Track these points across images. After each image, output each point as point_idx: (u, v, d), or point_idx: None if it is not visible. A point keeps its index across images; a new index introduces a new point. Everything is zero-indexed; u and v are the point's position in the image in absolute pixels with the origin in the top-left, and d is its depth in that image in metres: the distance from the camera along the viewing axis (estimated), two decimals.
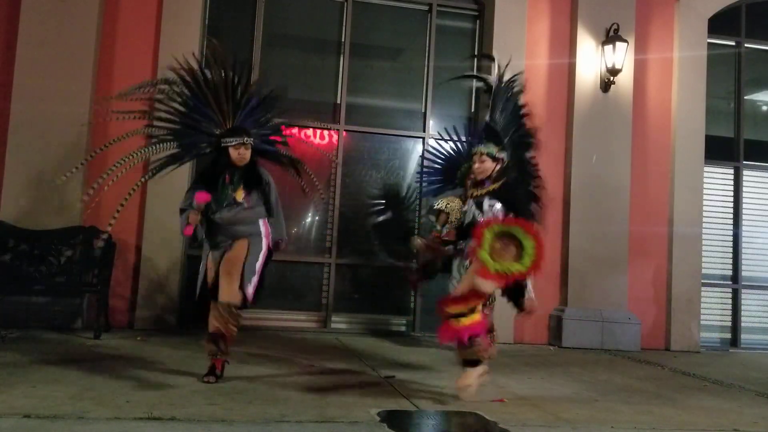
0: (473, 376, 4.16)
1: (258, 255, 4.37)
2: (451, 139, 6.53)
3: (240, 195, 4.38)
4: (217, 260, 4.38)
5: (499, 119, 4.49)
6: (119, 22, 6.86)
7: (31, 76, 6.43)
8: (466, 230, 4.39)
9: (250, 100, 4.56)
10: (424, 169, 6.69)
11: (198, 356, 5.24)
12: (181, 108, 4.54)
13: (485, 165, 4.35)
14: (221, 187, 4.36)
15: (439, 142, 6.35)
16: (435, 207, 6.33)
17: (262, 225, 4.48)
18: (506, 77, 4.55)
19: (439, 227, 6.19)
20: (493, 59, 4.66)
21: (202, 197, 4.27)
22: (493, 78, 4.57)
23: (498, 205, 4.25)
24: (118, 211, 4.43)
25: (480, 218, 4.26)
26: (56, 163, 6.43)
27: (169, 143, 4.52)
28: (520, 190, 4.38)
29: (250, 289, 4.29)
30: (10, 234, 6.14)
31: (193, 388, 4.08)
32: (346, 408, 3.80)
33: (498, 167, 4.36)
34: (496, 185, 4.32)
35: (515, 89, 4.57)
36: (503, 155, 4.38)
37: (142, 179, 4.72)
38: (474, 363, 4.17)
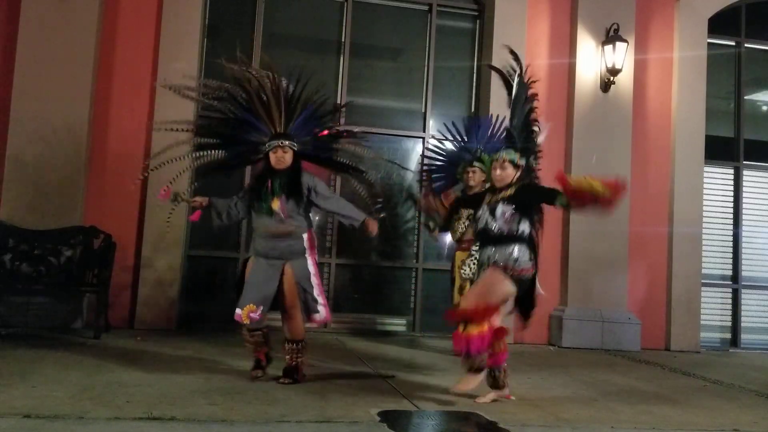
0: (475, 382, 4.16)
1: (308, 278, 4.37)
2: (452, 137, 6.48)
3: (276, 204, 4.28)
4: (263, 268, 4.33)
5: (517, 125, 4.37)
6: (119, 22, 6.86)
7: (31, 76, 6.44)
8: (479, 236, 4.34)
9: (304, 110, 4.48)
10: (426, 168, 6.62)
11: (198, 356, 5.25)
12: (230, 116, 4.51)
13: (506, 172, 4.20)
14: (263, 196, 4.31)
15: (440, 140, 6.34)
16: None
17: (306, 239, 4.40)
18: (525, 84, 4.43)
19: (432, 225, 6.13)
20: (516, 57, 4.50)
21: (194, 217, 4.48)
22: (515, 79, 4.42)
23: (512, 212, 4.14)
24: (169, 217, 4.63)
25: (492, 224, 4.18)
26: (56, 163, 6.44)
27: (216, 151, 4.49)
28: (533, 190, 4.30)
29: (323, 313, 4.40)
30: (10, 234, 6.14)
31: (193, 388, 4.08)
32: (346, 408, 3.80)
33: (518, 175, 4.24)
34: (510, 191, 4.20)
35: (529, 96, 4.45)
36: (523, 162, 4.26)
37: (195, 184, 4.78)
38: (478, 370, 4.16)
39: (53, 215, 6.34)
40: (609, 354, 6.97)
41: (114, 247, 6.25)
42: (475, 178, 5.89)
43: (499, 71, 4.58)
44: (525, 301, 4.25)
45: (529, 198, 4.21)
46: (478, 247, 4.47)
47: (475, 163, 5.90)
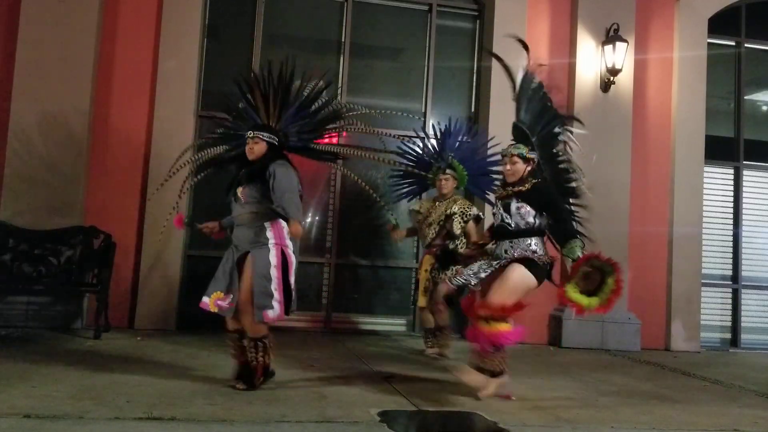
0: (480, 380, 4.17)
1: (268, 268, 4.04)
2: (424, 141, 6.44)
3: (239, 190, 4.18)
4: (231, 256, 4.19)
5: (525, 118, 4.40)
6: (119, 22, 6.85)
7: (31, 76, 6.43)
8: (496, 232, 4.39)
9: (296, 101, 4.46)
10: (396, 173, 6.34)
11: (198, 356, 5.25)
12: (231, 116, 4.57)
13: (516, 167, 4.27)
14: (232, 183, 4.25)
15: (408, 143, 6.27)
16: (411, 208, 6.37)
17: (270, 230, 4.12)
18: (530, 74, 4.44)
19: (394, 221, 6.07)
20: (527, 48, 4.50)
21: (177, 222, 4.45)
22: (519, 73, 4.45)
23: (526, 208, 4.21)
24: (167, 220, 4.55)
25: (508, 220, 4.24)
26: (56, 163, 6.44)
27: (218, 146, 4.52)
28: (551, 191, 4.31)
29: (276, 309, 4.02)
30: (10, 234, 6.14)
31: (193, 388, 4.08)
32: (346, 408, 3.80)
33: (529, 168, 4.29)
34: (523, 187, 4.25)
35: (538, 84, 4.45)
36: (534, 155, 4.31)
37: (187, 186, 4.72)
38: (494, 373, 4.19)
39: (53, 215, 6.33)
40: (609, 354, 6.97)
41: (114, 247, 6.25)
42: (448, 185, 5.93)
43: (500, 59, 4.56)
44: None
45: (542, 208, 4.25)
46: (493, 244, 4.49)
47: (447, 171, 5.93)
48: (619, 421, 3.93)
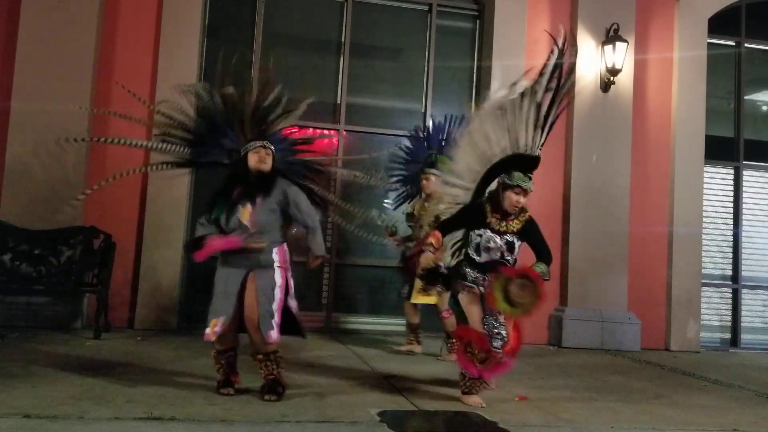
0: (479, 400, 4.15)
1: (272, 288, 3.95)
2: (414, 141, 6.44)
3: (245, 215, 3.95)
4: (225, 278, 4.02)
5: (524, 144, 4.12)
6: (119, 22, 6.86)
7: (31, 76, 6.44)
8: (486, 266, 4.15)
9: (278, 132, 4.28)
10: (393, 178, 6.37)
11: (198, 356, 5.24)
12: (193, 124, 4.28)
13: (526, 200, 4.11)
14: (232, 207, 3.97)
15: (399, 146, 6.25)
16: (405, 212, 6.32)
17: (276, 253, 4.00)
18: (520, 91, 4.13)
19: (388, 224, 6.12)
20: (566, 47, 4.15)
21: (208, 250, 3.96)
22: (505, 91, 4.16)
23: (519, 243, 4.14)
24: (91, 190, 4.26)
25: (508, 257, 4.11)
26: (56, 163, 6.44)
27: (180, 149, 4.25)
28: (536, 238, 4.19)
29: (273, 335, 3.90)
30: (10, 234, 6.14)
31: (193, 388, 4.09)
32: (346, 408, 3.80)
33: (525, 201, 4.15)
34: (520, 223, 4.14)
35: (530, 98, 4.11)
36: (530, 186, 4.10)
37: (140, 170, 4.53)
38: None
39: (53, 215, 6.32)
40: (609, 354, 6.97)
41: (114, 247, 6.25)
42: (430, 185, 5.87)
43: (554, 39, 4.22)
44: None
45: (531, 242, 4.18)
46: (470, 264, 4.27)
47: (427, 170, 5.89)
48: (619, 421, 3.93)
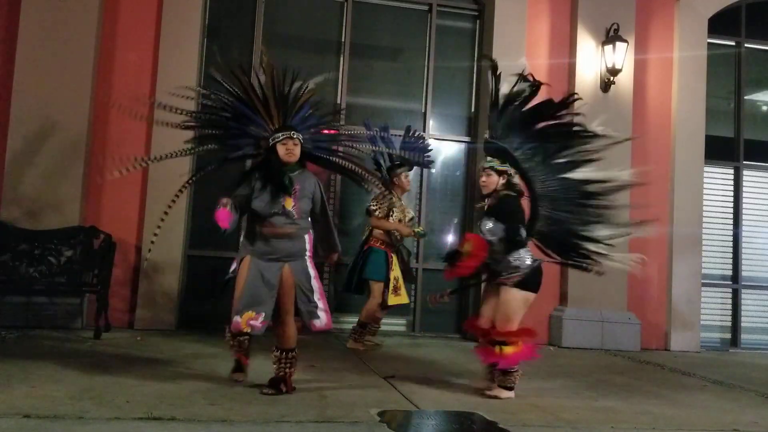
0: (505, 394, 4.31)
1: (309, 280, 4.15)
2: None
3: (289, 203, 4.11)
4: (262, 271, 4.06)
5: (504, 132, 4.41)
6: (119, 22, 6.86)
7: (31, 76, 6.43)
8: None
9: (302, 108, 4.34)
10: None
11: (198, 356, 5.25)
12: (226, 114, 4.35)
13: (491, 179, 4.39)
14: (277, 193, 4.09)
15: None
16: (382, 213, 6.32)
17: (308, 240, 4.22)
18: (510, 86, 4.41)
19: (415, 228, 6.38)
20: (492, 63, 4.49)
21: (223, 220, 3.99)
22: (491, 87, 4.47)
23: (489, 224, 4.32)
24: (159, 228, 4.20)
25: (487, 237, 4.34)
26: (56, 163, 6.44)
27: (212, 145, 4.35)
28: (514, 204, 4.37)
29: (323, 319, 4.13)
30: (10, 234, 6.14)
31: (193, 388, 4.08)
32: (346, 408, 3.80)
33: (503, 181, 4.37)
34: (493, 201, 4.41)
35: (520, 99, 4.43)
36: (506, 167, 4.36)
37: (186, 183, 4.43)
38: (509, 387, 4.32)
39: (53, 215, 6.33)
40: (609, 354, 6.97)
41: (114, 247, 6.25)
42: (408, 183, 6.38)
43: (493, 63, 4.51)
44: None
45: (500, 218, 4.32)
46: None
47: (398, 170, 6.22)
48: (619, 421, 3.93)
